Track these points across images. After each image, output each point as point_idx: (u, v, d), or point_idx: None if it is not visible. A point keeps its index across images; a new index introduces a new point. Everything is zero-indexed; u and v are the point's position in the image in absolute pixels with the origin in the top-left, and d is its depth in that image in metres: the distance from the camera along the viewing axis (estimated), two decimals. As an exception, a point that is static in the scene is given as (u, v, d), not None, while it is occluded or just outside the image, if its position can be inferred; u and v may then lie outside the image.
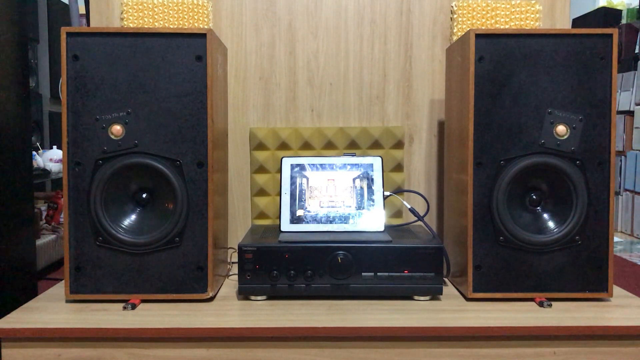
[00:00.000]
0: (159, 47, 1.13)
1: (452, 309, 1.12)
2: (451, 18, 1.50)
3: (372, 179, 1.32)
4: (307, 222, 1.29)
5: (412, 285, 1.16)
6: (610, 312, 1.11)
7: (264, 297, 1.18)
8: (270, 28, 1.51)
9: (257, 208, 1.51)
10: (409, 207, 1.36)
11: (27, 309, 1.13)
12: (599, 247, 1.16)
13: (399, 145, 1.51)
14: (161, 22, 1.46)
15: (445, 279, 1.31)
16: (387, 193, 1.35)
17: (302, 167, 1.33)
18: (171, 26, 1.46)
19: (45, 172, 2.60)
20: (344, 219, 1.29)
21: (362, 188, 1.32)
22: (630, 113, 3.69)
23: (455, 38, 1.47)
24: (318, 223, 1.29)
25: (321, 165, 1.33)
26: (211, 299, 1.18)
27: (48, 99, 3.32)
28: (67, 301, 1.16)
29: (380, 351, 1.04)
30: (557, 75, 1.15)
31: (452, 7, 1.48)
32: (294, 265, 1.16)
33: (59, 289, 1.24)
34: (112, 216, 1.15)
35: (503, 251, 1.16)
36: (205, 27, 1.44)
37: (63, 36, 1.13)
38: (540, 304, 1.14)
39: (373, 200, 1.30)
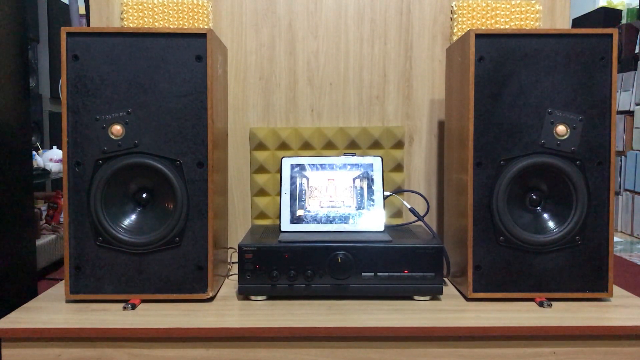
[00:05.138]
0: (159, 47, 1.13)
1: (452, 309, 1.12)
2: (451, 18, 1.50)
3: (372, 179, 1.32)
4: (307, 222, 1.29)
5: (412, 285, 1.16)
6: (610, 312, 1.11)
7: (264, 297, 1.18)
8: (270, 28, 1.51)
9: (257, 208, 1.51)
10: (409, 207, 1.36)
11: (27, 309, 1.13)
12: (599, 247, 1.16)
13: (399, 145, 1.51)
14: (161, 22, 1.46)
15: (445, 279, 1.31)
16: (387, 193, 1.35)
17: (302, 167, 1.33)
18: (171, 26, 1.46)
19: (45, 172, 2.60)
20: (344, 219, 1.29)
21: (362, 188, 1.32)
22: (630, 113, 3.69)
23: (455, 38, 1.47)
24: (318, 223, 1.29)
25: (321, 165, 1.33)
26: (211, 299, 1.18)
27: (48, 99, 3.32)
28: (67, 301, 1.16)
29: (380, 351, 1.04)
30: (557, 75, 1.15)
31: (452, 7, 1.48)
32: (294, 265, 1.16)
33: (59, 289, 1.24)
34: (112, 216, 1.15)
35: (503, 251, 1.16)
36: (205, 27, 1.44)
37: (63, 36, 1.13)
38: (540, 304, 1.14)
39: (373, 200, 1.30)
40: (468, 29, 1.42)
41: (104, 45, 1.13)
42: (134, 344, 1.03)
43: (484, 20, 1.47)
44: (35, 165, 2.54)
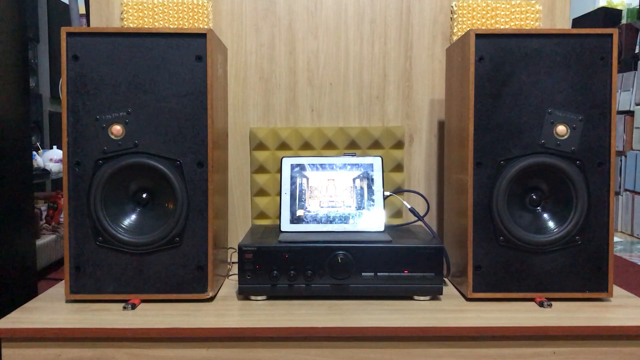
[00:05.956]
0: (159, 47, 1.13)
1: (452, 309, 1.12)
2: (451, 18, 1.50)
3: (372, 179, 1.32)
4: (307, 222, 1.29)
5: (412, 285, 1.16)
6: (610, 312, 1.11)
7: (264, 297, 1.18)
8: (270, 28, 1.51)
9: (257, 208, 1.51)
10: (409, 207, 1.36)
11: (27, 309, 1.13)
12: (599, 247, 1.16)
13: (399, 145, 1.51)
14: (161, 22, 1.46)
15: (445, 279, 1.31)
16: (387, 193, 1.35)
17: (302, 167, 1.33)
18: (171, 26, 1.46)
19: (45, 172, 2.60)
20: (344, 219, 1.29)
21: (362, 188, 1.32)
22: (630, 113, 3.69)
23: (455, 38, 1.47)
24: (318, 223, 1.29)
25: (321, 165, 1.33)
26: (211, 299, 1.18)
27: (48, 99, 3.31)
28: (67, 301, 1.16)
29: (380, 351, 1.04)
30: (557, 75, 1.15)
31: (452, 7, 1.48)
32: (294, 265, 1.16)
33: (59, 289, 1.24)
34: (112, 216, 1.15)
35: (503, 251, 1.16)
36: (205, 27, 1.44)
37: (63, 36, 1.13)
38: (540, 304, 1.14)
39: (373, 200, 1.30)
40: (468, 29, 1.42)
41: (104, 45, 1.13)
42: (134, 344, 1.03)
43: (484, 20, 1.47)
44: (35, 165, 2.54)
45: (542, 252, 1.16)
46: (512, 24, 1.46)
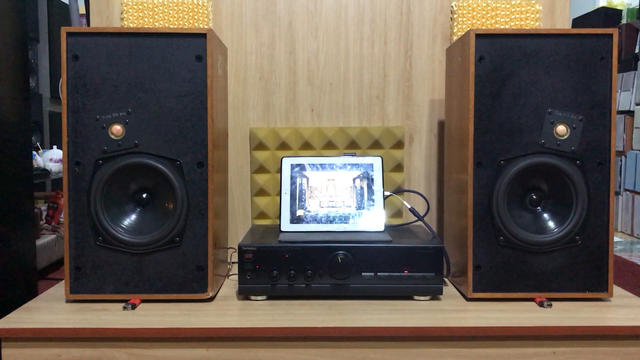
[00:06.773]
0: (159, 47, 1.13)
1: (452, 309, 1.12)
2: (451, 18, 1.50)
3: (372, 179, 1.32)
4: (307, 222, 1.29)
5: (412, 285, 1.16)
6: (610, 312, 1.11)
7: (264, 297, 1.18)
8: (270, 28, 1.51)
9: (257, 208, 1.51)
10: (409, 207, 1.36)
11: (27, 309, 1.13)
12: (599, 247, 1.16)
13: (399, 145, 1.51)
14: (161, 22, 1.46)
15: (445, 279, 1.31)
16: (387, 193, 1.35)
17: (302, 167, 1.33)
18: (171, 26, 1.46)
19: (45, 172, 2.60)
20: (344, 219, 1.29)
21: (362, 188, 1.32)
22: (630, 113, 3.69)
23: (455, 38, 1.47)
24: (318, 223, 1.29)
25: (321, 165, 1.33)
26: (211, 299, 1.18)
27: (48, 99, 3.32)
28: (67, 301, 1.16)
29: (380, 351, 1.04)
30: (557, 75, 1.15)
31: (452, 7, 1.48)
32: (294, 265, 1.16)
33: (59, 289, 1.24)
34: (112, 216, 1.15)
35: (503, 251, 1.16)
36: (205, 27, 1.44)
37: (63, 36, 1.13)
38: (540, 304, 1.14)
39: (373, 200, 1.30)
40: (468, 29, 1.42)
41: (104, 45, 1.13)
42: (134, 344, 1.03)
43: (484, 20, 1.47)
44: (35, 165, 2.54)
45: (542, 252, 1.16)
46: (512, 24, 1.46)
